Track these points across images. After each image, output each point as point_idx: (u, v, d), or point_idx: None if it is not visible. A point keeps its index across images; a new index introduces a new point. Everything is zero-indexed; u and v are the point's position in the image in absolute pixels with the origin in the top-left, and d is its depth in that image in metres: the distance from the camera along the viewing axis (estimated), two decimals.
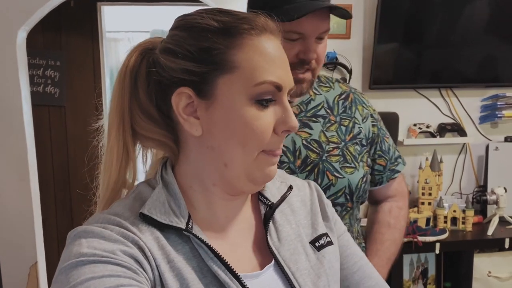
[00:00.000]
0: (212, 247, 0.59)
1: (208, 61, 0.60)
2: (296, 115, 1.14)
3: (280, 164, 1.10)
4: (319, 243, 0.71)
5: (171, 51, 0.62)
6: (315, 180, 1.08)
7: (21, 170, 2.26)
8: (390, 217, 1.26)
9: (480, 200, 2.41)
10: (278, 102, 0.62)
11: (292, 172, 1.09)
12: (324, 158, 1.11)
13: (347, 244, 0.79)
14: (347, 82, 2.39)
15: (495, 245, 2.24)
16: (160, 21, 4.70)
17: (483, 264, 2.22)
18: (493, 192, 2.34)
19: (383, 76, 2.40)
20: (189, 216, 0.61)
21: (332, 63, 2.38)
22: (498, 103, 2.46)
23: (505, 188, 2.33)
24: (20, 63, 2.22)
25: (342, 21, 2.37)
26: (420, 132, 2.48)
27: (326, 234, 0.73)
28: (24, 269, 2.30)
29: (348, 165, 1.12)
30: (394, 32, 2.36)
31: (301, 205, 0.75)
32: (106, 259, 0.53)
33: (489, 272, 2.21)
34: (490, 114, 2.50)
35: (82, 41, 3.07)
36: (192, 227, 0.61)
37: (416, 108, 2.51)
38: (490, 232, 2.24)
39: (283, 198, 0.72)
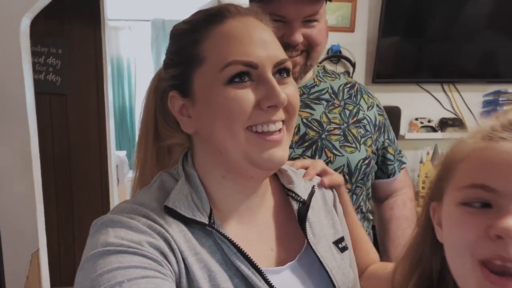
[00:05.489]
0: (235, 242, 0.60)
1: (182, 61, 0.64)
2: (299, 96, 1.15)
3: None
4: (341, 244, 0.72)
5: (164, 64, 0.69)
6: (312, 157, 1.08)
7: (24, 158, 2.25)
8: (405, 211, 1.24)
9: None
10: (260, 80, 0.60)
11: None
12: (323, 136, 1.10)
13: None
14: (351, 75, 2.39)
15: None
16: (160, 10, 4.69)
17: None
18: None
19: (386, 70, 2.40)
20: (211, 210, 0.62)
21: (336, 56, 2.38)
22: (500, 99, 2.47)
23: None
24: (24, 51, 2.21)
25: (347, 14, 2.37)
26: (422, 127, 2.50)
27: (343, 238, 0.73)
28: (26, 256, 2.31)
29: (348, 144, 1.11)
30: (398, 26, 2.36)
31: (322, 204, 0.75)
32: (132, 250, 0.53)
33: None
34: (491, 110, 2.52)
35: (84, 29, 3.05)
36: (214, 221, 0.61)
37: (418, 103, 2.52)
38: None
39: (311, 196, 0.72)
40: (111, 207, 3.25)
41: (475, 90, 2.55)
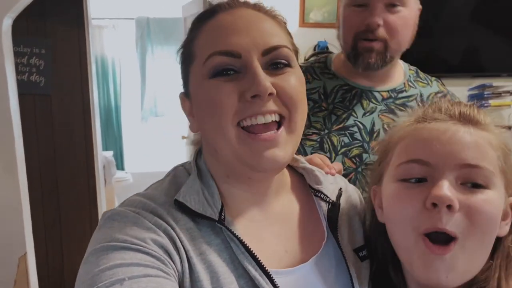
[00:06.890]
0: (244, 241, 0.58)
1: (182, 61, 0.64)
2: (385, 98, 1.11)
3: (352, 140, 1.05)
4: (362, 253, 0.69)
5: None
6: None
7: (9, 161, 2.21)
8: None
9: None
10: (245, 70, 0.57)
11: (363, 151, 1.04)
12: None
13: None
14: None
15: None
16: (145, 8, 4.64)
17: None
18: None
19: None
20: (222, 207, 0.60)
21: (323, 52, 2.39)
22: (485, 92, 2.51)
23: None
24: (6, 51, 2.16)
25: (333, 10, 2.38)
26: None
27: (364, 247, 0.70)
28: (13, 260, 2.27)
29: None
30: None
31: (345, 208, 0.72)
32: (136, 246, 0.53)
33: None
34: (477, 104, 2.55)
35: (67, 28, 3.00)
36: (224, 218, 0.59)
37: None
38: None
39: (338, 198, 0.69)
40: (99, 208, 3.23)
41: (460, 84, 2.58)
